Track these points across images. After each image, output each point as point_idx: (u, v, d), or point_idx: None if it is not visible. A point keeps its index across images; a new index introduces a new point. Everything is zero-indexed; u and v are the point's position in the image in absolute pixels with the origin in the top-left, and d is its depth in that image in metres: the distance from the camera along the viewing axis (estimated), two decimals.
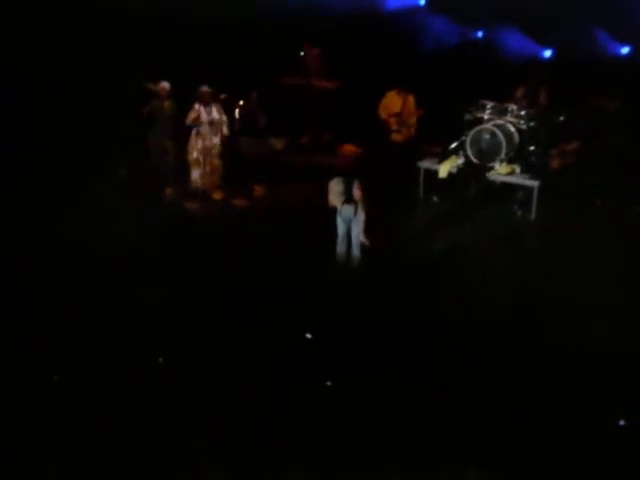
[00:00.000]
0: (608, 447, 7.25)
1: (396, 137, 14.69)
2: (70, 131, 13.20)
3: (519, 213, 12.93)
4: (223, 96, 14.21)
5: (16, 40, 14.60)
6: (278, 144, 15.26)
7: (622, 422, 7.63)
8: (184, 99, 13.52)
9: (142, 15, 15.15)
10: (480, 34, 17.89)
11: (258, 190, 13.58)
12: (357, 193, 10.54)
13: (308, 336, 8.94)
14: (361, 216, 10.60)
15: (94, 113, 13.47)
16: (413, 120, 14.78)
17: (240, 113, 14.86)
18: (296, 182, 13.73)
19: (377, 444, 7.27)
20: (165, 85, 13.59)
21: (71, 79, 14.32)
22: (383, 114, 14.76)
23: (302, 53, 16.35)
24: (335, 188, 10.60)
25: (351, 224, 10.72)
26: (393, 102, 14.71)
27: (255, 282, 9.98)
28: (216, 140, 13.52)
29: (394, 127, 14.66)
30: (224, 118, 13.60)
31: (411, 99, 14.70)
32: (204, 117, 13.38)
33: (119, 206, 12.12)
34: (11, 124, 13.05)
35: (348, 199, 10.58)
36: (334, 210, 10.78)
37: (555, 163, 13.35)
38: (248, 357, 8.46)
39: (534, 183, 12.79)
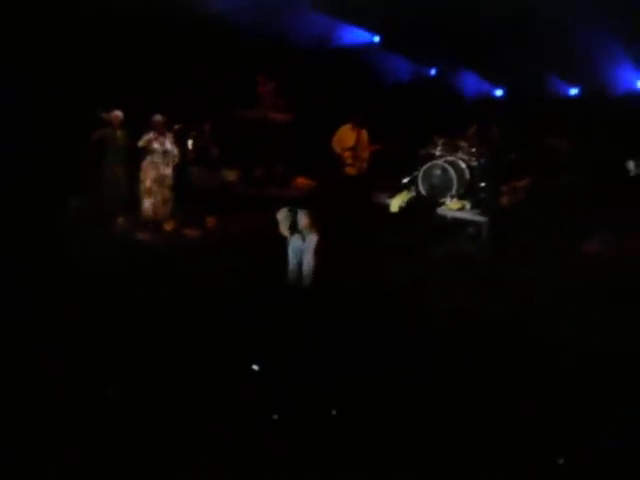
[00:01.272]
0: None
1: (350, 171, 14.80)
2: (22, 157, 13.10)
3: (469, 248, 13.03)
4: (177, 126, 14.20)
5: None
6: (231, 175, 15.28)
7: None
8: (137, 128, 13.51)
9: (96, 41, 15.05)
10: (433, 72, 18.11)
11: (210, 221, 13.56)
12: (304, 222, 10.60)
13: (255, 367, 8.90)
14: (311, 243, 10.60)
15: (46, 140, 13.41)
16: (367, 154, 14.90)
17: (193, 144, 14.86)
18: (248, 213, 13.73)
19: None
20: (118, 114, 13.57)
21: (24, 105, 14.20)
22: (337, 148, 14.87)
23: (257, 86, 16.41)
24: (282, 217, 10.70)
25: (302, 255, 10.74)
26: (347, 136, 14.84)
27: (208, 311, 9.93)
28: (168, 170, 13.51)
29: (348, 161, 14.77)
30: (176, 149, 13.60)
31: (364, 133, 14.84)
32: (157, 146, 13.37)
33: (70, 234, 12.00)
34: None
35: (295, 228, 10.64)
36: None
37: (505, 200, 13.51)
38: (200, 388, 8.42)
39: (483, 219, 12.92)
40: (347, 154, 14.80)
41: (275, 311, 10.04)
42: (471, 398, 8.33)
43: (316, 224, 10.65)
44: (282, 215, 10.78)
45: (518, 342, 9.52)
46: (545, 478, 7.17)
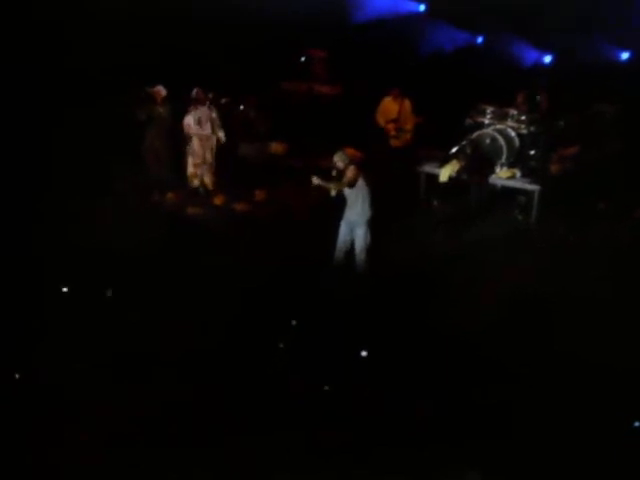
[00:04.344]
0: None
1: (394, 143, 14.71)
2: (68, 137, 13.22)
3: (520, 217, 12.94)
4: (224, 100, 14.21)
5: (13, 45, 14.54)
6: (279, 148, 15.25)
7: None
8: (182, 102, 13.56)
9: (142, 18, 15.11)
10: (480, 40, 17.94)
11: (259, 194, 13.55)
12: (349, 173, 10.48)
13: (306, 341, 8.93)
14: (367, 215, 10.54)
15: (91, 119, 13.52)
16: (410, 126, 14.80)
17: (240, 117, 14.86)
18: (297, 186, 13.71)
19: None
20: (160, 89, 13.62)
21: (67, 85, 14.30)
22: (381, 120, 14.79)
23: (303, 58, 16.39)
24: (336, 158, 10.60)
25: (354, 228, 10.69)
26: (389, 108, 14.76)
27: (257, 287, 9.96)
28: (215, 144, 13.55)
29: (392, 133, 14.70)
30: (221, 123, 13.65)
31: (407, 104, 14.73)
32: (202, 119, 13.41)
33: (120, 212, 12.06)
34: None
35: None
36: (337, 214, 10.79)
37: (554, 168, 13.37)
38: (245, 363, 8.47)
39: (535, 187, 12.81)
40: (390, 126, 14.72)
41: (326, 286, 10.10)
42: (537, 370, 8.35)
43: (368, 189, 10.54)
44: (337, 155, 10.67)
45: (572, 314, 9.48)
46: None
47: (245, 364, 8.42)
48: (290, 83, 16.31)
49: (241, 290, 9.80)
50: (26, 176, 12.24)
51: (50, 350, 8.36)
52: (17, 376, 8.04)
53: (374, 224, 10.63)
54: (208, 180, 13.61)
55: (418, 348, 8.75)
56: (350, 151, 10.62)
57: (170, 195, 13.32)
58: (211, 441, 7.26)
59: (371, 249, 10.64)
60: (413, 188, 13.37)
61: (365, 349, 8.77)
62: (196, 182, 13.60)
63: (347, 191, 10.56)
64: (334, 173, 10.55)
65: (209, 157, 13.60)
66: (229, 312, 9.28)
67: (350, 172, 10.42)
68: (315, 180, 10.55)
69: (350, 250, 10.79)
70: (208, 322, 9.08)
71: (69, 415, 7.47)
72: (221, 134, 13.59)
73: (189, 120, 13.45)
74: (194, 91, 13.47)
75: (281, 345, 8.87)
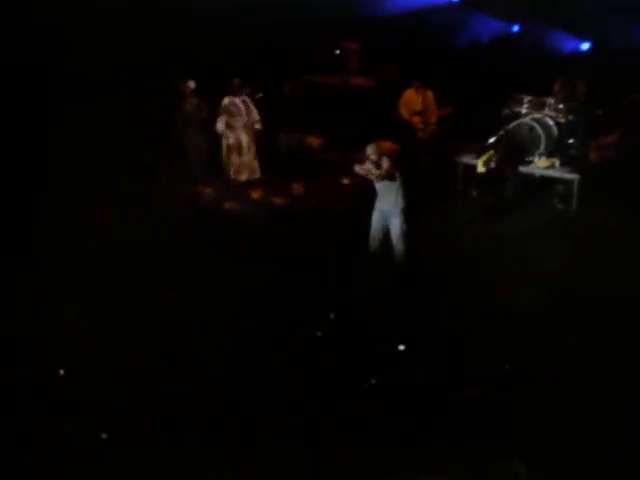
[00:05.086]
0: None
1: (421, 135, 14.60)
2: (102, 131, 13.33)
3: (559, 206, 12.84)
4: (259, 95, 14.24)
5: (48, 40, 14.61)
6: (315, 142, 15.25)
7: None
8: (217, 95, 13.62)
9: (176, 9, 15.11)
10: (516, 28, 17.82)
11: (297, 188, 13.56)
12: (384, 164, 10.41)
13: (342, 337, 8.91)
14: (400, 205, 10.47)
15: (125, 114, 13.60)
16: (434, 118, 14.69)
17: (275, 110, 14.88)
18: (334, 179, 13.73)
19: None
20: (191, 83, 13.69)
21: (102, 80, 14.39)
22: (404, 113, 14.66)
23: (338, 51, 16.38)
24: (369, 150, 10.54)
25: (389, 217, 10.62)
26: (412, 100, 14.63)
27: (294, 280, 9.98)
28: (250, 137, 13.60)
29: (418, 126, 14.58)
30: (257, 115, 13.67)
31: (431, 96, 14.61)
32: (237, 112, 13.47)
33: (158, 207, 12.14)
34: (39, 125, 13.16)
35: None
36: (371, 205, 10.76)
37: (594, 156, 13.25)
38: (281, 356, 8.45)
39: (574, 176, 12.70)
40: (416, 119, 14.60)
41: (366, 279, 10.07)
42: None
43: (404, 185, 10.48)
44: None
45: (614, 306, 9.38)
46: None
47: (278, 359, 8.41)
48: (324, 76, 16.28)
49: (279, 283, 9.83)
50: (63, 172, 12.40)
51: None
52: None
53: (409, 214, 10.57)
54: (248, 170, 13.66)
55: (454, 341, 8.69)
56: (384, 143, 10.52)
57: (208, 190, 13.37)
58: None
59: (408, 237, 10.56)
60: (445, 179, 13.29)
61: (401, 343, 8.72)
62: (235, 173, 13.66)
63: (378, 183, 10.52)
64: (370, 165, 10.49)
65: (249, 147, 13.66)
66: (265, 305, 9.30)
67: (385, 164, 10.36)
68: (357, 168, 10.49)
69: (384, 239, 10.72)
70: (238, 315, 9.10)
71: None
72: (258, 124, 13.66)
73: (226, 111, 13.51)
74: (233, 81, 13.54)
75: (319, 334, 8.85)
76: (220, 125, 13.64)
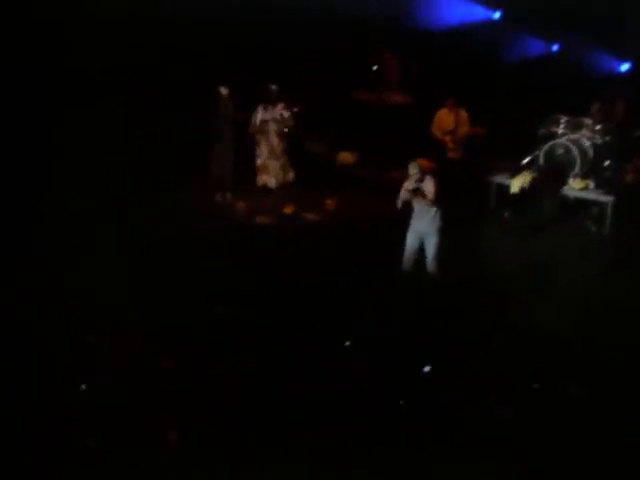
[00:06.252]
0: None
1: (451, 154, 14.51)
2: (137, 138, 13.42)
3: (593, 229, 12.73)
4: (296, 109, 14.25)
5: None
6: (349, 158, 15.23)
7: None
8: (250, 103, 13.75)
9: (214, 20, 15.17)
10: (555, 48, 17.72)
11: (330, 204, 13.54)
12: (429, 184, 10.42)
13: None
14: (436, 224, 10.45)
15: (161, 120, 13.69)
16: (462, 137, 14.61)
17: (309, 124, 14.88)
18: (367, 196, 13.69)
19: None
20: (224, 90, 13.77)
21: (139, 86, 14.47)
22: (437, 132, 14.61)
23: (375, 67, 16.38)
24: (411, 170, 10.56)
25: (424, 237, 10.62)
26: (445, 120, 14.57)
27: (328, 295, 9.99)
28: (284, 146, 13.69)
29: (450, 145, 14.51)
30: (292, 125, 13.80)
31: (464, 115, 14.53)
32: (271, 121, 13.57)
33: (188, 220, 12.11)
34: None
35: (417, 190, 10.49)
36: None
37: (629, 178, 13.12)
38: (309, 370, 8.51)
39: (608, 198, 12.60)
40: (448, 138, 14.54)
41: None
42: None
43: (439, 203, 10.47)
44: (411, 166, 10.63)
45: None
46: None
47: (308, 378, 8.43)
48: (361, 92, 16.29)
49: (310, 299, 9.84)
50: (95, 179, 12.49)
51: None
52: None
53: (444, 234, 10.56)
54: (282, 174, 13.72)
55: (485, 359, 8.69)
56: (424, 162, 10.55)
57: (240, 204, 13.40)
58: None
59: (443, 258, 10.56)
60: (477, 199, 13.21)
61: (433, 360, 8.71)
62: (266, 180, 13.71)
63: (416, 202, 10.53)
64: (411, 185, 10.50)
65: (282, 154, 13.74)
66: (295, 320, 9.34)
67: (430, 184, 10.38)
68: (404, 195, 10.51)
69: (419, 260, 10.73)
70: (274, 333, 9.12)
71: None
72: (292, 132, 13.75)
73: (259, 117, 13.60)
74: (269, 87, 13.62)
75: (347, 345, 8.89)
76: (254, 130, 13.72)
